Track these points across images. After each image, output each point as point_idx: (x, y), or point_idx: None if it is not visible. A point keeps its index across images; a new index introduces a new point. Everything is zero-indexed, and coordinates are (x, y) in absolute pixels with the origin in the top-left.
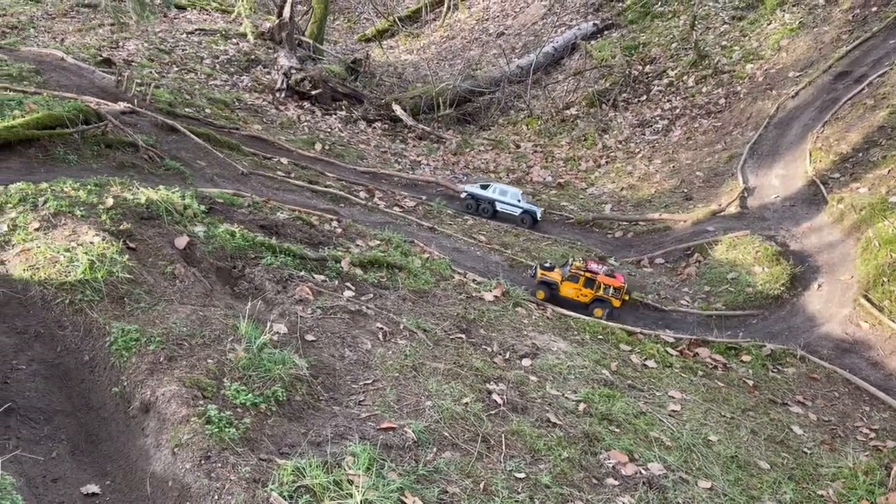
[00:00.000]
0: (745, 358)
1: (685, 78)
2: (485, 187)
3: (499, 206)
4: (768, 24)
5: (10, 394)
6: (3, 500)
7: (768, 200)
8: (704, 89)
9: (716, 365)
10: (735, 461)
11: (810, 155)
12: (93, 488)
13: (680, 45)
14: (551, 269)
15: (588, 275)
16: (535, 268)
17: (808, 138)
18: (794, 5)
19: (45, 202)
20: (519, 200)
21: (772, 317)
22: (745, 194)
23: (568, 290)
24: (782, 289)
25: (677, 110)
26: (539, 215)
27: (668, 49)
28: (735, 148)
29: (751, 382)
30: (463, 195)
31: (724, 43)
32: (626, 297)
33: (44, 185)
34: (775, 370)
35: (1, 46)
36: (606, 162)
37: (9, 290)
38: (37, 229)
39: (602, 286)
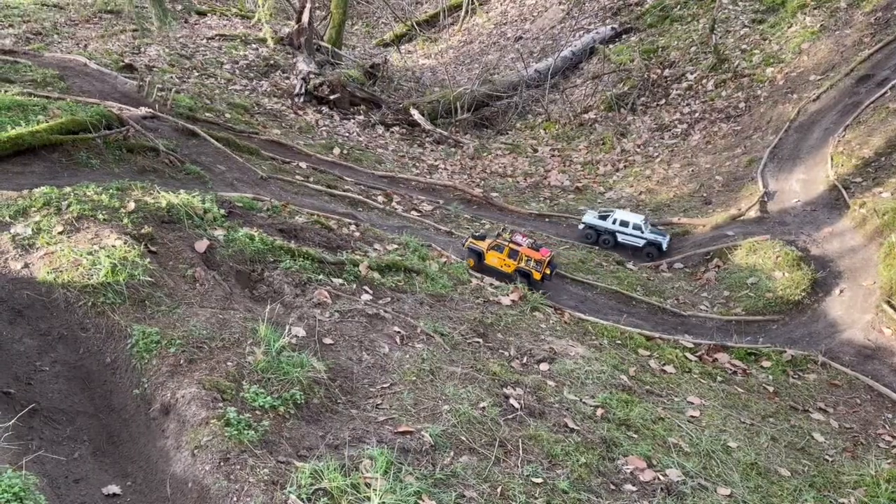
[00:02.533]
0: (766, 364)
1: (704, 82)
2: (604, 216)
3: (620, 238)
4: (789, 28)
5: (33, 395)
6: (27, 500)
7: (789, 205)
8: (724, 93)
9: (735, 370)
10: (755, 468)
11: (832, 159)
12: (114, 489)
13: (699, 49)
14: (482, 238)
15: (512, 246)
16: (468, 237)
17: (829, 142)
18: (815, 8)
19: (69, 206)
20: (642, 230)
21: (792, 322)
22: (766, 199)
23: (493, 258)
24: (803, 294)
25: (696, 114)
26: (666, 245)
27: (688, 53)
28: (755, 152)
29: (771, 388)
30: (581, 226)
31: (744, 46)
32: (548, 272)
33: (67, 189)
34: (796, 376)
35: (25, 52)
36: (625, 166)
37: (33, 292)
38: (60, 233)
39: (524, 258)
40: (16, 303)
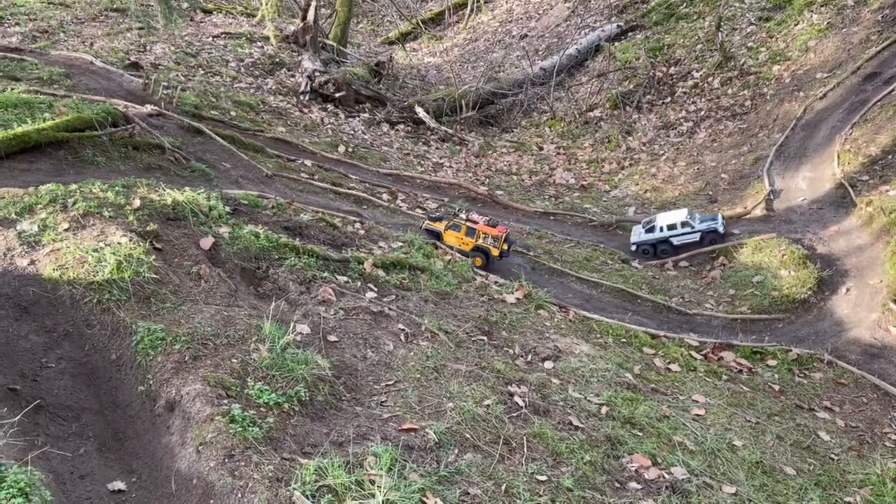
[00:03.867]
0: (771, 362)
1: (710, 79)
2: (649, 228)
3: (676, 241)
4: (796, 25)
5: (39, 391)
6: (33, 495)
7: (795, 203)
8: (730, 91)
9: (741, 369)
10: (760, 466)
11: (838, 157)
12: (119, 485)
13: (705, 47)
14: (438, 219)
15: (469, 224)
16: (425, 219)
17: (836, 140)
18: (822, 6)
19: (75, 203)
20: (692, 224)
21: (798, 321)
22: (772, 197)
23: (451, 238)
24: (809, 292)
25: (702, 112)
26: (721, 226)
27: (693, 50)
28: (761, 150)
29: (777, 387)
30: (633, 248)
31: (750, 44)
32: (506, 247)
33: (73, 186)
34: (802, 375)
35: (32, 50)
36: (630, 164)
37: (39, 289)
38: (66, 230)
39: (482, 235)
40: (22, 299)
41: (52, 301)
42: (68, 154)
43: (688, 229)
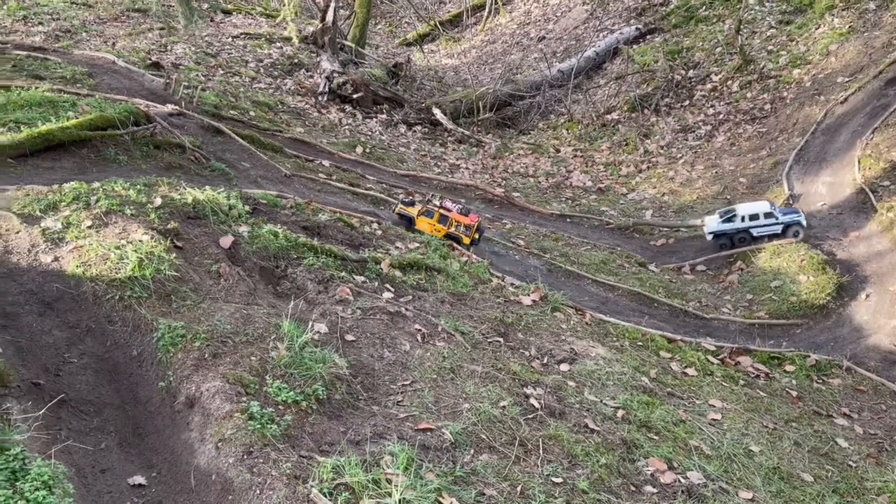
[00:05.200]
0: (789, 368)
1: (729, 83)
2: (728, 218)
3: (755, 232)
4: (817, 29)
5: (62, 386)
6: (56, 488)
7: (815, 208)
8: (749, 94)
9: (758, 374)
10: (777, 472)
11: (859, 162)
12: (139, 480)
13: (725, 50)
14: (411, 204)
15: (442, 211)
16: (397, 203)
17: (857, 145)
18: (843, 10)
19: (97, 201)
20: (776, 216)
21: (817, 326)
22: (791, 201)
23: (423, 224)
24: (828, 298)
25: (721, 116)
26: (804, 220)
27: (713, 54)
28: (780, 154)
29: (794, 393)
30: (709, 236)
31: (770, 47)
32: (477, 236)
33: (96, 184)
34: (820, 381)
35: (55, 49)
36: (648, 167)
37: (62, 285)
38: (89, 227)
39: (454, 223)
40: (46, 295)
41: (75, 297)
42: (91, 152)
43: (771, 220)
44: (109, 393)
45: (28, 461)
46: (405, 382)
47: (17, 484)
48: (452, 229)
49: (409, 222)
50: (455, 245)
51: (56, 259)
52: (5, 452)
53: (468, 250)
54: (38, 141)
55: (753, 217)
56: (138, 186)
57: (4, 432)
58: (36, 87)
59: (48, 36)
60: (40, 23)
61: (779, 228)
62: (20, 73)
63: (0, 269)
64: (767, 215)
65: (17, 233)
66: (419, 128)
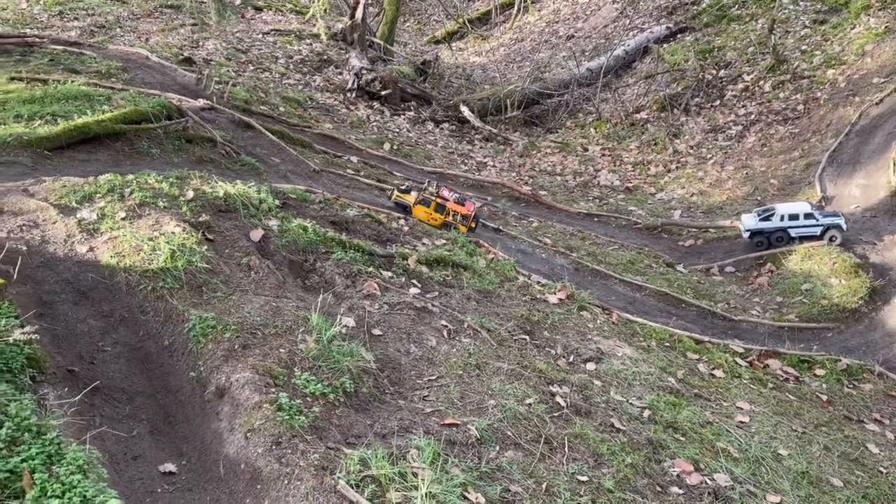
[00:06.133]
0: (819, 372)
1: (761, 83)
2: (766, 217)
3: (793, 233)
4: (852, 29)
5: (95, 374)
6: (90, 473)
7: (848, 211)
8: (782, 95)
9: (787, 377)
10: (806, 477)
11: (894, 164)
12: (170, 467)
13: (757, 50)
14: (407, 191)
15: (439, 200)
16: (393, 190)
17: (892, 147)
18: (880, 9)
19: (131, 193)
20: (816, 217)
21: (848, 331)
22: (823, 204)
23: (420, 212)
24: (860, 302)
25: (752, 116)
26: (845, 223)
27: (745, 53)
28: (813, 156)
29: (824, 397)
30: (745, 234)
31: (804, 47)
32: (473, 225)
33: (130, 176)
34: (851, 386)
35: (90, 45)
36: (677, 167)
37: (97, 275)
38: (123, 218)
39: (451, 212)
40: (81, 284)
41: (109, 287)
42: (125, 145)
43: (811, 221)
44: (141, 381)
45: (63, 446)
46: (431, 377)
47: (53, 468)
48: (449, 218)
49: (405, 210)
50: (481, 243)
51: (91, 249)
52: (42, 437)
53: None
54: (75, 133)
55: (793, 217)
56: (171, 179)
57: (42, 417)
58: (72, 81)
59: (83, 31)
60: (76, 18)
61: (818, 230)
62: (57, 67)
63: (37, 258)
64: (807, 216)
65: (54, 223)
66: (447, 125)
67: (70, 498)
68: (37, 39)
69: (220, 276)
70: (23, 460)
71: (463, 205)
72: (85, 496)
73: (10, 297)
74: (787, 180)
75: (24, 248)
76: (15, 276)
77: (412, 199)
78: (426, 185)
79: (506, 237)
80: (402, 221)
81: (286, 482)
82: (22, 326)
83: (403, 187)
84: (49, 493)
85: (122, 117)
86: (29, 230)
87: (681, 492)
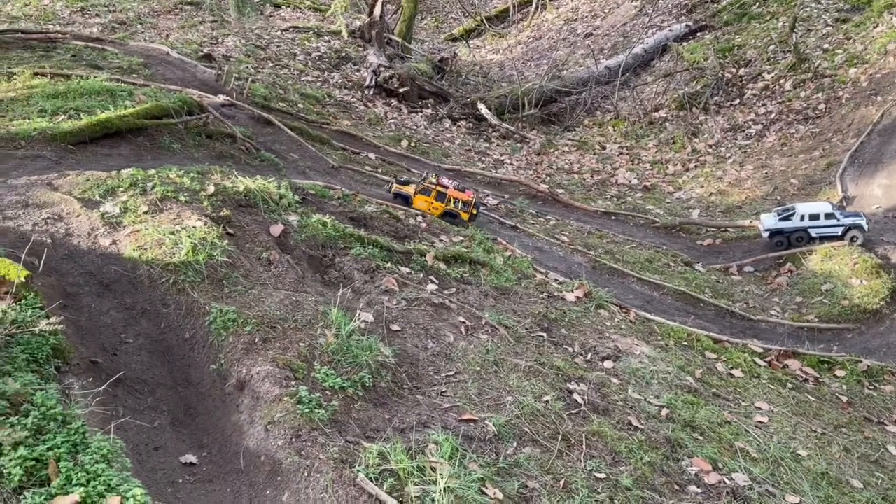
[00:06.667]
0: (839, 373)
1: (782, 82)
2: (787, 216)
3: (814, 233)
4: (875, 27)
5: (118, 365)
6: (114, 462)
7: (869, 211)
8: (803, 94)
9: (807, 378)
10: (825, 478)
11: None
12: (191, 458)
13: (778, 48)
14: (406, 183)
15: (439, 188)
16: (392, 183)
17: None
18: None
19: (153, 187)
20: (837, 217)
21: (869, 332)
22: (844, 204)
23: (420, 202)
24: (882, 303)
25: (772, 115)
26: (867, 223)
27: (765, 52)
28: (834, 155)
29: (844, 398)
30: (765, 234)
31: (825, 46)
32: (475, 212)
33: (152, 171)
34: (871, 387)
35: (112, 41)
36: (695, 166)
37: (120, 268)
38: (145, 212)
39: (452, 200)
40: (104, 277)
41: (132, 280)
42: (147, 140)
43: (832, 221)
44: (163, 373)
45: (88, 435)
46: (449, 373)
47: (79, 456)
48: (451, 206)
49: (405, 201)
50: (499, 240)
51: (114, 242)
52: (67, 426)
53: (466, 227)
54: (97, 128)
55: (813, 217)
56: (192, 174)
57: (68, 406)
58: (94, 77)
59: (105, 27)
60: (97, 14)
61: (839, 231)
62: (79, 63)
63: (62, 250)
64: (828, 216)
65: (78, 216)
66: (464, 123)
67: (95, 486)
68: (59, 35)
69: (240, 270)
70: (48, 448)
71: (463, 192)
72: (109, 485)
73: (36, 289)
74: (808, 180)
75: (49, 240)
76: (40, 268)
77: (412, 189)
78: (425, 175)
79: (523, 235)
80: (419, 218)
81: (306, 474)
82: (47, 317)
83: (402, 179)
84: (74, 482)
85: (143, 112)
86: (53, 223)
87: (699, 491)
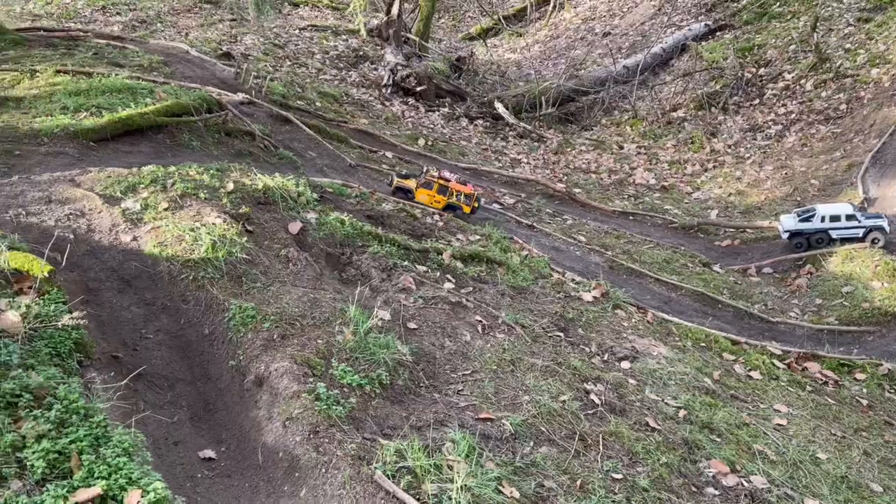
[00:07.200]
0: (860, 376)
1: (803, 82)
2: (806, 217)
3: (834, 235)
4: None
5: (139, 360)
6: (135, 456)
7: (891, 212)
8: (824, 94)
9: (826, 381)
10: (845, 481)
11: None
12: (209, 453)
13: (798, 48)
14: (407, 177)
15: (441, 182)
16: (392, 176)
17: None
18: None
19: (173, 184)
20: (858, 219)
21: (890, 335)
22: (865, 205)
23: (422, 196)
24: None
25: (793, 115)
26: (889, 225)
27: (786, 51)
28: (855, 156)
29: (864, 402)
30: (784, 235)
31: (847, 46)
32: (476, 205)
33: (172, 168)
34: (892, 391)
35: (133, 39)
36: (714, 166)
37: (140, 264)
38: (165, 209)
39: (454, 193)
40: (125, 273)
41: (152, 276)
42: (167, 137)
43: (853, 223)
44: (182, 369)
45: (110, 429)
46: (466, 372)
47: (100, 450)
48: (453, 199)
49: (406, 195)
50: (515, 239)
51: (135, 238)
52: (89, 419)
53: (468, 220)
54: (119, 125)
55: (834, 218)
56: (211, 171)
57: (90, 400)
58: (116, 75)
59: (126, 25)
60: (118, 13)
61: (860, 232)
62: (101, 60)
63: (83, 246)
64: (849, 217)
65: (100, 212)
66: (481, 122)
67: (116, 479)
68: (81, 34)
69: (259, 267)
70: (71, 441)
71: (465, 185)
72: (130, 478)
73: (59, 284)
74: (829, 181)
75: (72, 236)
76: (63, 264)
77: (414, 183)
78: (425, 169)
79: (540, 234)
80: (436, 217)
81: (324, 471)
82: (70, 312)
83: (402, 173)
84: (96, 474)
85: (164, 110)
86: (76, 219)
87: (716, 493)
